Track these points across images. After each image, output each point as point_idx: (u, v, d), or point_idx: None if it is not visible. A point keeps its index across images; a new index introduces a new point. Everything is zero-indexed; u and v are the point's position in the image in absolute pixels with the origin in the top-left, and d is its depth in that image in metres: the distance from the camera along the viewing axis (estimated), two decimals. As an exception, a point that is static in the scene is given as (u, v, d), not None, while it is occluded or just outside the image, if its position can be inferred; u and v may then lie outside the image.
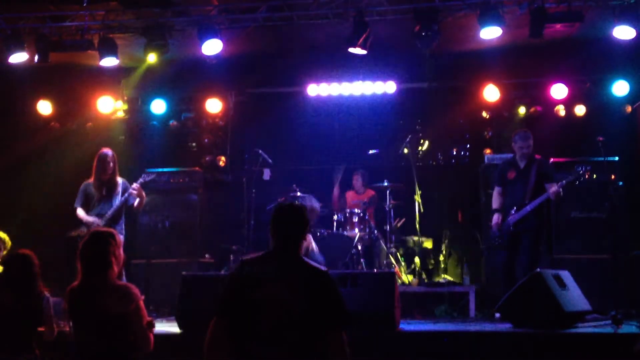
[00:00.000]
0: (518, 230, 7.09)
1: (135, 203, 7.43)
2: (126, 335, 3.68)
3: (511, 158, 7.49)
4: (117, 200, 7.30)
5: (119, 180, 7.48)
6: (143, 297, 3.81)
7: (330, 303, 3.40)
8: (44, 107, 9.89)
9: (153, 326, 3.90)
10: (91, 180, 7.40)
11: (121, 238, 3.98)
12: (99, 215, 7.23)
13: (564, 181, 7.00)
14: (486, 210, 8.14)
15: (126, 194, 7.33)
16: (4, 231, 7.06)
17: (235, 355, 3.34)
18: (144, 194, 7.43)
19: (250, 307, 3.32)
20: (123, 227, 7.38)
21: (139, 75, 9.43)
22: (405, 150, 8.77)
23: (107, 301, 3.67)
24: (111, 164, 7.36)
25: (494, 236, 7.24)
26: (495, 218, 7.24)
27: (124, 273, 6.87)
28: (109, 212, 7.23)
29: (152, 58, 8.14)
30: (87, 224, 7.13)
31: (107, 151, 7.43)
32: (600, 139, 7.04)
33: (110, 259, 3.80)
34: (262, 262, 3.50)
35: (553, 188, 6.93)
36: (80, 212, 7.30)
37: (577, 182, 7.02)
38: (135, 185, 7.38)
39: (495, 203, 7.39)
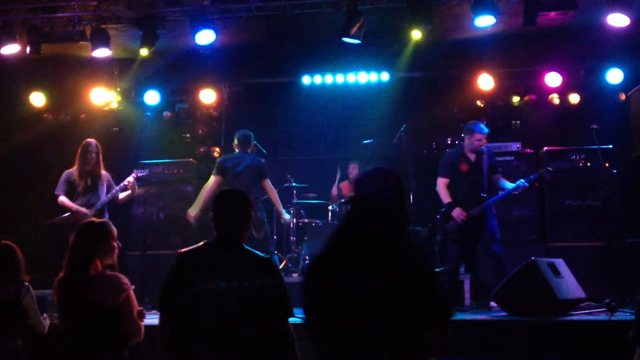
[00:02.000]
0: (476, 222, 7.08)
1: (123, 196, 7.43)
2: (117, 326, 3.68)
3: (460, 149, 7.38)
4: (103, 191, 7.30)
5: (103, 172, 7.48)
6: (133, 287, 3.80)
7: (274, 293, 3.26)
8: (37, 99, 9.83)
9: (144, 315, 3.91)
10: (74, 169, 7.40)
11: (113, 229, 3.96)
12: (88, 205, 7.23)
13: (532, 177, 7.15)
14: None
15: (117, 188, 7.33)
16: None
17: (181, 354, 3.21)
18: (136, 188, 7.44)
19: (191, 301, 3.17)
20: (108, 217, 7.40)
21: (138, 66, 9.38)
22: (400, 140, 8.74)
23: (96, 292, 3.66)
24: (94, 154, 7.36)
25: (453, 228, 7.15)
26: (459, 211, 7.07)
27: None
28: (99, 204, 7.23)
29: (144, 52, 8.10)
30: (76, 213, 7.12)
31: (91, 141, 7.44)
32: (594, 126, 7.04)
33: (102, 250, 3.79)
34: (203, 253, 3.35)
35: (523, 183, 7.01)
36: (65, 199, 7.29)
37: (539, 180, 7.32)
38: (129, 178, 7.38)
39: (447, 196, 7.21)
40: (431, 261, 2.85)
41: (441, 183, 7.30)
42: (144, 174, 7.70)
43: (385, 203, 2.78)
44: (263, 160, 7.81)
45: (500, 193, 7.20)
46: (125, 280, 3.75)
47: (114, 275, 3.77)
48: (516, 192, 7.14)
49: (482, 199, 7.10)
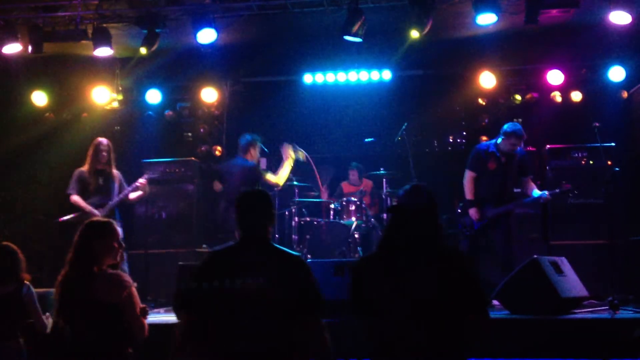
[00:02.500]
0: (490, 224, 7.07)
1: (134, 196, 7.44)
2: (119, 324, 3.68)
3: (493, 147, 7.27)
4: (114, 191, 7.30)
5: (115, 171, 7.48)
6: (135, 284, 3.80)
7: (307, 288, 3.31)
8: (39, 98, 9.83)
9: (147, 313, 3.92)
10: (85, 168, 7.40)
11: (119, 229, 3.97)
12: (99, 205, 7.23)
13: (557, 190, 7.11)
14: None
15: (130, 188, 7.34)
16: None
17: (207, 352, 3.25)
18: (147, 189, 7.46)
19: (224, 299, 3.19)
20: (119, 217, 7.40)
21: (139, 64, 9.38)
22: (401, 138, 8.75)
23: (98, 290, 3.67)
24: (105, 153, 7.36)
25: (467, 225, 7.13)
26: (474, 212, 7.08)
27: (126, 264, 6.96)
28: (111, 203, 7.24)
29: (143, 51, 8.09)
30: (86, 212, 7.11)
31: (103, 140, 7.45)
32: (597, 124, 7.03)
33: (104, 249, 3.79)
34: (231, 252, 3.40)
35: (546, 195, 7.03)
36: (78, 199, 7.28)
37: (566, 194, 7.21)
38: (141, 180, 7.39)
39: (470, 192, 7.18)
40: (469, 258, 3.34)
41: (468, 176, 7.25)
42: (155, 176, 7.73)
43: (420, 211, 3.24)
44: (252, 163, 7.82)
45: (517, 202, 7.16)
46: (127, 277, 3.76)
47: (115, 273, 3.78)
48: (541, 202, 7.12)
49: (503, 201, 7.05)
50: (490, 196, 7.11)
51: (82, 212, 7.18)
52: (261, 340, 3.18)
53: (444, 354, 3.08)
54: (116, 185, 7.43)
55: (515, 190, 7.24)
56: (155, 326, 5.99)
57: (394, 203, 3.50)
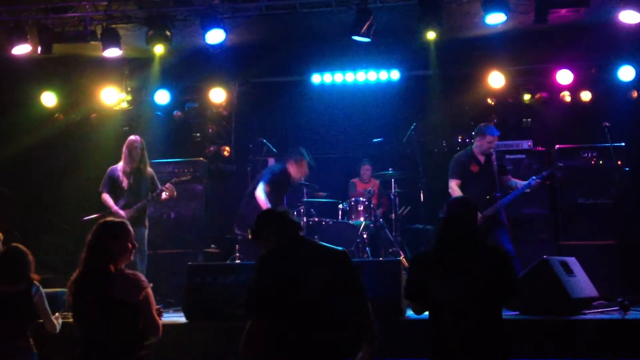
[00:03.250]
0: (489, 222, 7.04)
1: (164, 196, 7.45)
2: (136, 324, 3.69)
3: (470, 151, 7.38)
4: (144, 192, 7.32)
5: (148, 170, 7.49)
6: (151, 284, 3.82)
7: (354, 278, 3.58)
8: (48, 99, 9.87)
9: (162, 314, 3.96)
10: (119, 166, 7.42)
11: (131, 228, 3.96)
12: (127, 206, 7.24)
13: (544, 173, 7.17)
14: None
15: (157, 191, 7.35)
16: (11, 224, 7.08)
17: (275, 352, 3.37)
18: (175, 193, 7.47)
19: (296, 303, 3.38)
20: (146, 217, 7.43)
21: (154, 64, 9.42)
22: (410, 138, 8.74)
23: (117, 290, 3.68)
24: (139, 150, 7.38)
25: None
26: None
27: (144, 266, 6.97)
28: (136, 206, 7.25)
29: (159, 49, 8.12)
30: (112, 212, 7.11)
31: (136, 137, 7.51)
32: (607, 124, 7.00)
33: (118, 249, 3.80)
34: (280, 255, 3.54)
35: (534, 181, 7.06)
36: (107, 198, 7.31)
37: (553, 174, 7.38)
38: (168, 184, 7.41)
39: None
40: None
41: (453, 185, 7.29)
42: (182, 179, 7.77)
43: (464, 219, 3.95)
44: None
45: (513, 192, 7.19)
46: (144, 278, 3.78)
47: (133, 274, 3.80)
48: (528, 190, 7.11)
49: (495, 198, 7.07)
50: (480, 199, 7.08)
51: (105, 212, 7.14)
52: (329, 331, 3.38)
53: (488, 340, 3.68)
54: (146, 185, 7.44)
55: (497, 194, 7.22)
56: (163, 326, 6.03)
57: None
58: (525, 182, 7.13)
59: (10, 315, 4.63)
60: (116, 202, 7.32)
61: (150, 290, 3.76)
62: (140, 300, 3.68)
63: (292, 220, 3.72)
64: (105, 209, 7.27)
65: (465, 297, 3.65)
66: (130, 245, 3.87)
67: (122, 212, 7.16)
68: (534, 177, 7.09)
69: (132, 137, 7.52)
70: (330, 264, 3.54)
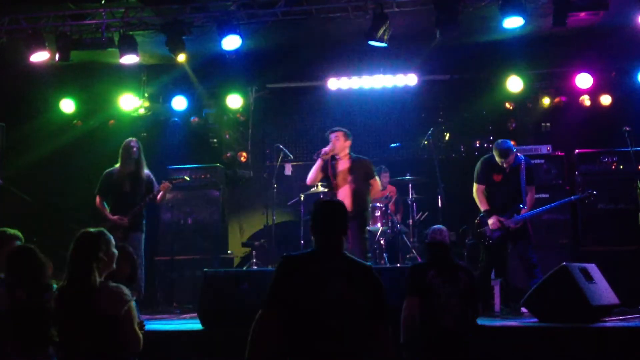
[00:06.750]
0: (509, 233, 6.94)
1: (159, 197, 7.44)
2: (116, 337, 3.68)
3: (493, 160, 7.04)
4: (141, 195, 7.32)
5: (146, 171, 7.49)
6: (135, 297, 3.81)
7: (379, 297, 3.43)
8: (67, 106, 9.97)
9: (144, 327, 3.98)
10: (115, 169, 7.43)
11: (111, 238, 3.92)
12: (123, 212, 7.24)
13: (572, 198, 7.17)
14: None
15: (154, 193, 7.35)
16: (30, 230, 7.09)
17: (290, 350, 3.32)
18: (168, 185, 7.44)
19: (314, 304, 3.30)
20: (144, 221, 7.43)
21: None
22: (427, 143, 8.69)
23: (100, 302, 3.67)
24: (135, 149, 7.38)
25: (488, 235, 7.01)
26: (494, 220, 6.89)
27: (142, 271, 6.93)
28: (132, 211, 7.25)
29: (181, 58, 8.15)
30: (109, 220, 7.14)
31: (132, 140, 7.51)
32: (627, 128, 6.92)
33: (97, 260, 3.77)
34: (315, 259, 3.47)
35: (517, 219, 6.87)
36: (100, 205, 7.34)
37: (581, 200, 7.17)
38: (165, 183, 7.40)
39: (483, 203, 7.03)
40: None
41: (476, 189, 7.12)
42: (181, 184, 7.76)
43: (445, 243, 5.24)
44: None
45: (538, 209, 7.02)
46: (127, 291, 3.75)
47: (116, 287, 3.78)
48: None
49: (517, 210, 6.93)
50: (502, 207, 6.97)
51: (105, 221, 7.15)
52: (346, 345, 3.29)
53: None
54: (143, 188, 7.42)
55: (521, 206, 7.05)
56: (180, 333, 6.03)
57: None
58: (554, 203, 7.09)
59: (32, 326, 4.43)
60: (113, 206, 7.34)
61: (132, 304, 3.75)
62: (122, 314, 3.68)
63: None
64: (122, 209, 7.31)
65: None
66: (111, 254, 3.86)
67: (114, 218, 7.18)
68: (521, 213, 6.90)
69: (128, 139, 7.52)
70: (353, 279, 3.40)
